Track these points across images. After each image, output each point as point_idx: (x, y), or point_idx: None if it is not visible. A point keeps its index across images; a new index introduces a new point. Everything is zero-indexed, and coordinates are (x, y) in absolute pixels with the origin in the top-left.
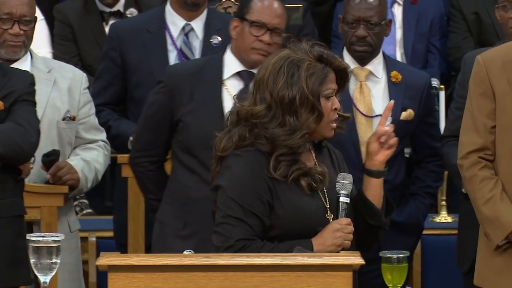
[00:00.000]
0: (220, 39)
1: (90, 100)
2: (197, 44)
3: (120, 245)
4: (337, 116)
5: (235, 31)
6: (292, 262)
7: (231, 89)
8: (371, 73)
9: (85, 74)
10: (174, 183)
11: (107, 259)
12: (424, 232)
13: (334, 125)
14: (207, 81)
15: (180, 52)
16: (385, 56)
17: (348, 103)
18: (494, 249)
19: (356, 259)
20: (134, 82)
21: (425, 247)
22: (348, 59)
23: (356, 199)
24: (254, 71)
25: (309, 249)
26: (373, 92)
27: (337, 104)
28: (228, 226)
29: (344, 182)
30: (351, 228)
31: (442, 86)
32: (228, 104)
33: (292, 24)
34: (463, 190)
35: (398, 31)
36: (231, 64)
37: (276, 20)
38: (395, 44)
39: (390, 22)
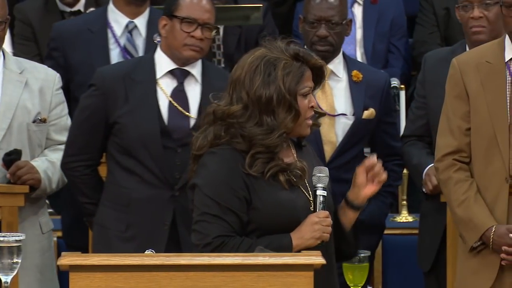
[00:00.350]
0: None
1: (62, 101)
2: (140, 42)
3: (69, 246)
4: (313, 113)
5: (165, 29)
6: (253, 262)
7: (165, 87)
8: (332, 72)
9: (58, 74)
10: (112, 185)
11: (68, 259)
12: (385, 232)
13: (310, 122)
14: (141, 81)
15: (124, 50)
16: (345, 56)
17: None
18: (469, 250)
19: (317, 259)
20: (76, 82)
21: (386, 246)
22: None
23: (333, 222)
24: (187, 68)
25: (289, 243)
26: (334, 91)
27: (313, 102)
28: (205, 223)
29: (321, 175)
30: (329, 220)
31: (402, 86)
32: (163, 103)
33: (252, 24)
34: (423, 190)
35: (358, 31)
36: (163, 62)
37: (206, 15)
38: (355, 44)
39: (351, 22)
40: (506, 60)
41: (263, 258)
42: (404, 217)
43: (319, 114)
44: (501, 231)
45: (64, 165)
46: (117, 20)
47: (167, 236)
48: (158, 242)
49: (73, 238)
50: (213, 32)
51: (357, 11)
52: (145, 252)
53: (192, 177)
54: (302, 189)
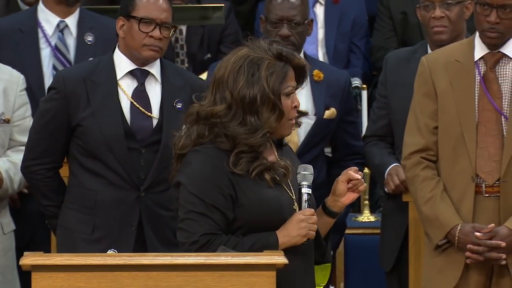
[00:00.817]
0: (93, 37)
1: (26, 102)
2: (71, 41)
3: (18, 249)
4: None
5: (122, 30)
6: (215, 262)
7: (126, 88)
8: None
9: (22, 76)
10: (76, 188)
11: (31, 259)
12: (347, 231)
13: (294, 122)
14: (101, 83)
15: (55, 49)
16: (306, 55)
17: None
18: (434, 248)
19: (280, 259)
20: None
21: (348, 246)
22: None
23: None
24: (147, 68)
25: (275, 241)
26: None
27: (297, 101)
28: (191, 221)
29: (305, 173)
30: (315, 218)
31: (364, 86)
32: (125, 104)
33: (214, 24)
34: (385, 190)
35: (320, 31)
36: (122, 63)
37: (163, 14)
38: (317, 43)
39: (312, 21)
40: (475, 60)
41: (226, 258)
42: (366, 216)
43: (300, 113)
44: (467, 230)
45: (25, 168)
46: (48, 19)
47: (135, 237)
48: (125, 243)
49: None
50: (172, 31)
51: (319, 11)
52: (108, 252)
53: (176, 175)
54: (285, 187)
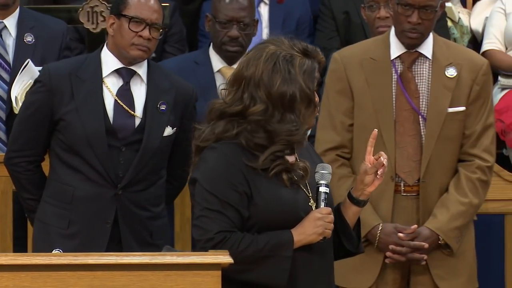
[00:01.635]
0: (33, 37)
1: None
2: (10, 42)
3: None
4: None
5: (112, 28)
6: (160, 261)
7: (111, 86)
8: None
9: None
10: (55, 182)
11: None
12: None
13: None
14: (87, 79)
15: None
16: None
17: None
18: None
19: (225, 258)
20: None
21: None
22: (215, 59)
23: (336, 220)
24: (133, 68)
25: (289, 238)
26: None
27: (317, 97)
28: (206, 219)
29: (324, 172)
30: (331, 217)
31: None
32: (109, 101)
33: None
34: None
35: (264, 31)
36: (109, 61)
37: (154, 15)
38: None
39: (257, 22)
40: (392, 58)
41: (171, 258)
42: None
43: None
44: (388, 230)
45: (8, 160)
46: None
47: (109, 234)
48: (99, 240)
49: None
50: (161, 32)
51: (264, 10)
52: (53, 252)
53: (192, 171)
54: (302, 187)
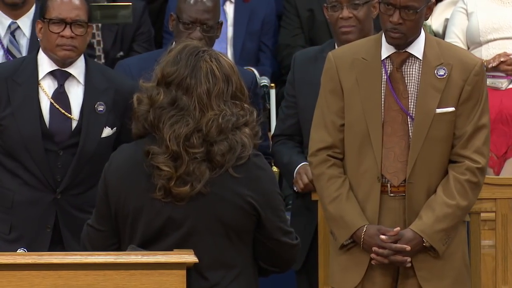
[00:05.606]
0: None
1: None
2: (24, 42)
3: None
4: None
5: (41, 32)
6: (125, 261)
7: (46, 89)
8: None
9: None
10: None
11: None
12: None
13: None
14: (23, 83)
15: (7, 51)
16: None
17: None
18: (339, 248)
19: (190, 257)
20: None
21: None
22: None
23: None
24: (68, 69)
25: None
26: None
27: None
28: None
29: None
30: None
31: (273, 85)
32: (45, 105)
33: (121, 22)
34: (294, 188)
35: (229, 29)
36: (44, 64)
37: (74, 12)
38: (227, 42)
39: (221, 24)
40: (382, 58)
41: (135, 257)
42: None
43: None
44: (372, 232)
45: None
46: (0, 21)
47: (50, 238)
48: (40, 244)
49: None
50: (85, 29)
51: (229, 9)
52: (17, 251)
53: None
54: None
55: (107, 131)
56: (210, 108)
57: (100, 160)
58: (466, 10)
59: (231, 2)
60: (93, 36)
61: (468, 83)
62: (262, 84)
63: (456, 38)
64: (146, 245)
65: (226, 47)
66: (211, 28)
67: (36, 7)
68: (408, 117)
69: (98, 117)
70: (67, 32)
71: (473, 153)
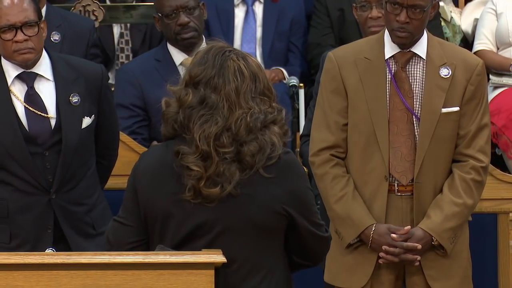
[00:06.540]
0: (60, 35)
1: None
2: None
3: None
4: None
5: None
6: (154, 261)
7: (18, 93)
8: None
9: None
10: None
11: None
12: None
13: None
14: None
15: None
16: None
17: None
18: (346, 247)
19: (218, 257)
20: None
21: None
22: (175, 52)
23: None
24: (34, 70)
25: None
26: None
27: None
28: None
29: None
30: None
31: (301, 85)
32: (20, 109)
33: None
34: None
35: (258, 30)
36: (9, 70)
37: (21, 15)
38: (255, 42)
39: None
40: (386, 58)
41: (164, 257)
42: None
43: None
44: (382, 230)
45: None
46: None
47: (52, 239)
48: (44, 246)
49: None
50: (37, 27)
51: (258, 9)
52: (46, 251)
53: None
54: None
55: (86, 121)
56: (239, 105)
57: (85, 150)
58: (496, 11)
59: (260, 2)
60: (122, 35)
61: (471, 83)
62: (291, 84)
63: (485, 39)
64: (177, 248)
65: (255, 47)
66: (193, 8)
67: (47, 5)
68: (414, 117)
69: (74, 110)
70: (20, 36)
71: (477, 152)
